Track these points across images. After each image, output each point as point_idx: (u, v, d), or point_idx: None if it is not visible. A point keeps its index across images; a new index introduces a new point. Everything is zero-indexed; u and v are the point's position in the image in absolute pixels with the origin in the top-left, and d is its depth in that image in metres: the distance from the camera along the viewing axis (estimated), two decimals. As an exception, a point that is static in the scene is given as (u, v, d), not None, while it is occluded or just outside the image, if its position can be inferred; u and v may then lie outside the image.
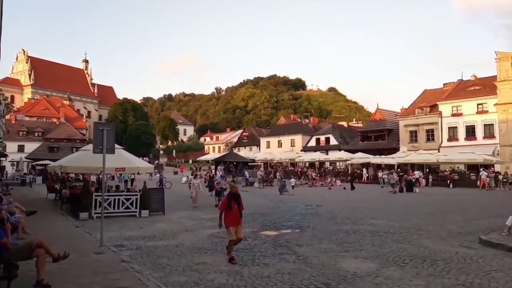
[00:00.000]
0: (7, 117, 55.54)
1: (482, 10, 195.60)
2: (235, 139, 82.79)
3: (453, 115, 43.03)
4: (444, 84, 50.49)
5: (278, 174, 36.61)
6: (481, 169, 33.64)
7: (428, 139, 44.90)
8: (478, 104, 41.40)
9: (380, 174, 37.45)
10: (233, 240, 7.91)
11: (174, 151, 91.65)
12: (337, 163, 51.29)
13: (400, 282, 6.57)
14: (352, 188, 30.56)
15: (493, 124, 40.01)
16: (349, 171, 41.22)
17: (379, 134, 50.70)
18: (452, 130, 43.17)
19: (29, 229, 10.29)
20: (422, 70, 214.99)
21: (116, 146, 11.01)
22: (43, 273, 5.95)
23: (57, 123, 66.65)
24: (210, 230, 11.67)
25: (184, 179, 36.36)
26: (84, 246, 9.03)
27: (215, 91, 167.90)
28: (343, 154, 47.07)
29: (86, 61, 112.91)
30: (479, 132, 40.98)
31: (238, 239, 8.08)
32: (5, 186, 24.21)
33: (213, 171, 38.17)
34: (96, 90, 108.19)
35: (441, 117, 43.85)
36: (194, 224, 13.00)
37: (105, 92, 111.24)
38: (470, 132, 41.72)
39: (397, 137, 48.06)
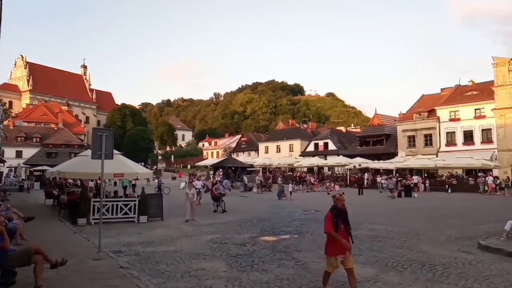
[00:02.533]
0: (5, 122, 55.43)
1: (479, 16, 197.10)
2: (234, 144, 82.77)
3: (451, 120, 43.19)
4: (441, 89, 50.72)
5: (279, 179, 36.53)
6: (484, 174, 33.73)
7: (426, 144, 45.00)
8: (475, 109, 41.58)
9: (378, 179, 37.48)
10: (330, 273, 6.04)
11: (172, 156, 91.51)
12: (336, 168, 51.31)
13: (399, 287, 6.57)
14: (360, 193, 30.88)
15: (490, 129, 40.16)
16: (358, 177, 40.61)
17: (378, 139, 50.79)
18: (450, 135, 43.31)
19: (27, 235, 10.25)
20: (420, 75, 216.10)
21: (115, 151, 11.00)
22: (41, 279, 5.93)
23: (56, 128, 66.53)
24: (209, 236, 11.64)
25: (183, 184, 36.31)
26: (82, 252, 8.99)
27: (213, 96, 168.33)
28: (341, 159, 47.13)
29: (85, 67, 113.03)
30: (477, 137, 41.11)
31: (349, 269, 5.99)
32: (3, 192, 24.12)
33: (216, 177, 37.84)
34: (94, 96, 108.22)
35: (439, 122, 44.01)
36: (192, 230, 12.96)
37: (104, 98, 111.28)
38: (468, 137, 41.85)
39: (395, 142, 48.15)
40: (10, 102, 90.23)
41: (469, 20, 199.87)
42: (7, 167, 46.92)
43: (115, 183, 32.98)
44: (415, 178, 36.29)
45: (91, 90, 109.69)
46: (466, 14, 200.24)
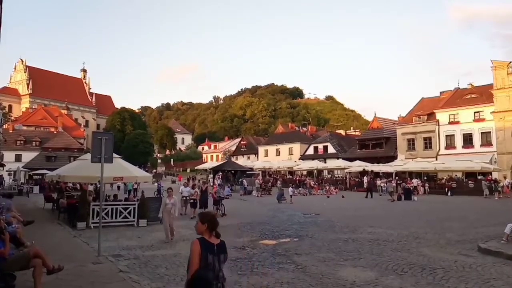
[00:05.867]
0: (5, 126, 55.41)
1: (478, 20, 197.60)
2: (233, 148, 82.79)
3: (450, 123, 43.25)
4: (441, 92, 50.88)
5: (278, 182, 36.48)
6: (484, 177, 33.70)
7: (425, 147, 45.04)
8: (475, 112, 41.66)
9: (378, 182, 37.46)
10: None
11: (172, 160, 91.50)
12: (335, 172, 51.33)
13: (399, 291, 6.54)
14: (369, 196, 30.77)
15: (490, 132, 40.22)
16: (366, 180, 39.78)
17: (377, 142, 50.82)
18: (450, 138, 43.35)
19: (26, 239, 10.20)
20: (419, 78, 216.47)
21: (114, 155, 11.00)
22: (40, 283, 5.91)
23: (55, 132, 66.48)
24: (208, 239, 11.58)
25: (182, 187, 36.19)
26: (81, 256, 8.97)
27: (213, 99, 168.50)
28: (341, 163, 47.12)
29: (84, 71, 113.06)
30: (477, 140, 41.16)
31: None
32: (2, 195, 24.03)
33: (216, 180, 37.42)
34: (94, 99, 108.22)
35: (439, 125, 44.06)
36: (191, 233, 12.90)
37: (103, 101, 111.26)
38: (468, 140, 41.89)
39: (394, 145, 48.18)
40: (10, 106, 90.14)
41: (468, 23, 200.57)
42: (6, 170, 46.86)
43: (118, 187, 32.95)
44: (415, 181, 36.28)
45: (91, 93, 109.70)
46: (465, 17, 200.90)
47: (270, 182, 40.89)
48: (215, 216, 3.81)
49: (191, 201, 18.42)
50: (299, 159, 57.87)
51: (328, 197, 32.17)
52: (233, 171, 42.57)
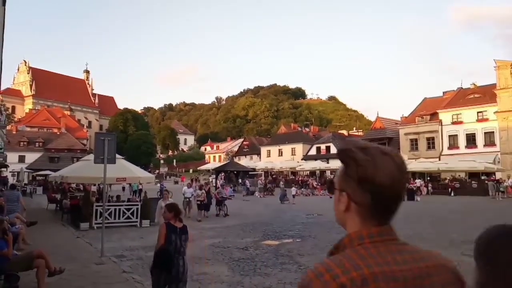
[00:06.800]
0: (8, 127, 55.59)
1: (479, 21, 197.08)
2: (236, 148, 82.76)
3: (453, 123, 43.10)
4: (443, 92, 50.68)
5: (281, 183, 36.43)
6: (487, 178, 33.69)
7: (428, 147, 44.91)
8: (478, 112, 41.50)
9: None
10: None
11: (174, 160, 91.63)
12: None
13: (403, 291, 6.51)
14: None
15: (493, 132, 40.05)
16: None
17: (380, 142, 50.36)
18: (453, 138, 43.21)
19: (30, 239, 10.25)
20: (421, 78, 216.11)
21: (117, 156, 11.02)
22: (44, 284, 5.93)
23: (58, 133, 66.75)
24: (211, 240, 11.63)
25: (185, 188, 36.23)
26: (84, 257, 9.00)
27: (215, 100, 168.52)
28: (343, 163, 47.00)
29: (87, 72, 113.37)
30: (480, 140, 41.00)
31: None
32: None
33: (214, 181, 37.28)
34: (97, 100, 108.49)
35: (441, 125, 43.92)
36: (194, 234, 12.89)
37: (106, 102, 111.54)
38: (471, 140, 41.75)
39: (397, 145, 48.00)
40: (13, 107, 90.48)
41: (470, 24, 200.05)
42: (10, 172, 47.05)
43: (123, 188, 33.02)
44: (418, 182, 36.16)
45: (94, 94, 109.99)
46: (466, 18, 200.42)
47: (271, 184, 40.87)
48: (178, 206, 5.03)
49: (198, 202, 17.68)
50: (302, 159, 57.80)
51: (330, 197, 31.75)
52: (235, 172, 42.59)
